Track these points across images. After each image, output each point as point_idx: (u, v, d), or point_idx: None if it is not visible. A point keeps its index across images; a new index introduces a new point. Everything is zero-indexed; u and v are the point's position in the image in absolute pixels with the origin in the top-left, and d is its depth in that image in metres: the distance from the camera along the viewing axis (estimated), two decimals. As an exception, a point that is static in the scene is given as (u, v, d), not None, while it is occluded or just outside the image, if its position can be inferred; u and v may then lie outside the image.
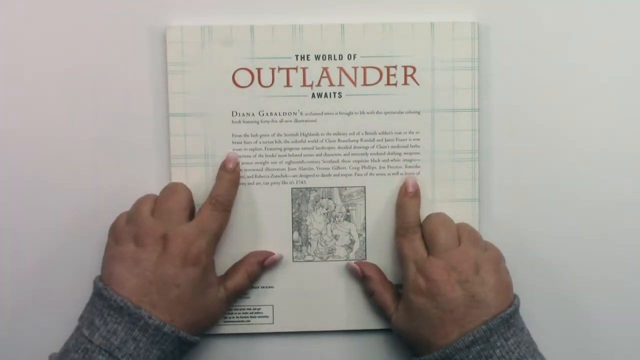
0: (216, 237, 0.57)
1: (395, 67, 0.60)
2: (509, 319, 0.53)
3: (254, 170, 0.60)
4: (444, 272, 0.55)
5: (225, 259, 0.60)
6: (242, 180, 0.60)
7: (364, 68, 0.60)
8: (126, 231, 0.56)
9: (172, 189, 0.58)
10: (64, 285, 0.60)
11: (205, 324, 0.58)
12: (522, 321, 0.55)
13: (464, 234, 0.57)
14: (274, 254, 0.60)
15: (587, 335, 0.62)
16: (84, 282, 0.58)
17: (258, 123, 0.60)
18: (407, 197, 0.59)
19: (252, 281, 0.60)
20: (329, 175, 0.60)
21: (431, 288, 0.55)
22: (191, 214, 0.58)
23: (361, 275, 0.60)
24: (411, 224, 0.58)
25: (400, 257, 0.58)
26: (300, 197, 0.60)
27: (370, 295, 0.60)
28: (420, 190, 0.60)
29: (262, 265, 0.60)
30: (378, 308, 0.60)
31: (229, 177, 0.59)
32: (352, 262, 0.60)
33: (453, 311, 0.54)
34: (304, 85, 0.60)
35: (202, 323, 0.57)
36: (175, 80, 0.59)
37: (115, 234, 0.56)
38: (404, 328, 0.57)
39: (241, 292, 0.60)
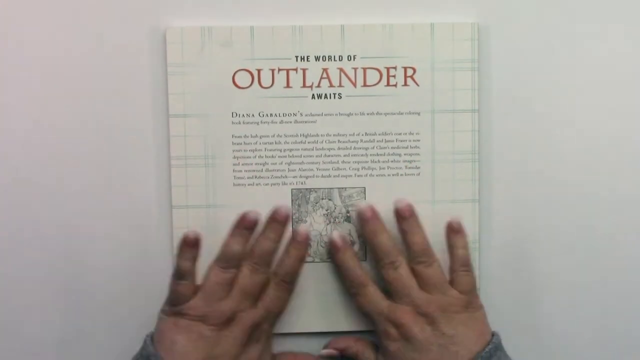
0: (279, 315, 0.58)
1: (395, 68, 0.60)
2: (490, 357, 0.54)
3: (254, 171, 0.60)
4: (411, 316, 0.55)
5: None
6: (242, 182, 0.60)
7: (364, 69, 0.60)
8: (199, 307, 0.55)
9: (256, 269, 0.56)
10: (64, 284, 0.60)
11: None
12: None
13: (423, 278, 0.56)
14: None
15: (586, 334, 0.63)
16: (83, 283, 0.58)
17: (258, 124, 0.60)
18: (344, 254, 0.58)
19: None
20: (329, 176, 0.60)
21: (403, 333, 0.55)
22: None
23: (339, 353, 0.60)
24: (362, 280, 0.58)
25: (365, 313, 0.58)
26: (301, 198, 0.60)
27: (354, 358, 0.60)
28: (420, 190, 0.60)
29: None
30: None
31: (298, 254, 0.57)
32: (323, 350, 0.60)
33: (429, 351, 0.54)
34: (304, 86, 0.60)
35: None
36: (175, 81, 0.59)
37: (190, 308, 0.55)
38: None
39: None
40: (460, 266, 0.57)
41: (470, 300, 0.56)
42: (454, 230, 0.58)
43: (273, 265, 0.57)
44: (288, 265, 0.57)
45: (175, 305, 0.55)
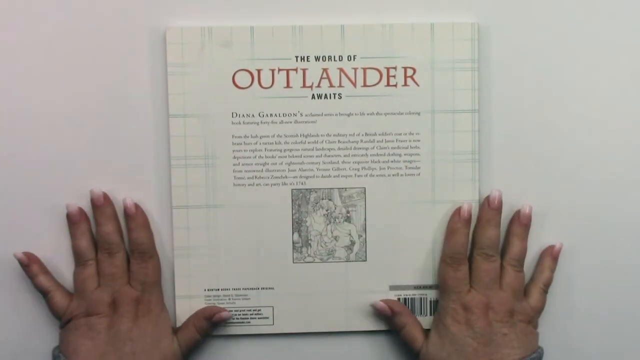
0: (155, 284, 0.59)
1: (395, 68, 0.60)
2: None
3: (254, 171, 0.60)
4: (484, 307, 0.57)
5: (226, 259, 0.60)
6: (242, 182, 0.60)
7: (364, 69, 0.60)
8: (76, 308, 0.58)
9: (110, 251, 0.58)
10: (63, 281, 0.60)
11: None
12: None
13: (507, 280, 0.59)
14: (224, 310, 0.60)
15: (586, 333, 0.63)
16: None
17: (258, 124, 0.60)
18: (461, 223, 0.59)
19: (201, 335, 0.59)
20: (329, 176, 0.60)
21: (470, 318, 0.57)
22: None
23: (390, 313, 0.60)
24: (461, 255, 0.59)
25: (442, 284, 0.59)
26: (301, 198, 0.60)
27: (400, 329, 0.60)
28: (420, 190, 0.60)
29: (210, 321, 0.59)
30: (404, 343, 0.60)
31: (136, 223, 0.59)
32: (379, 301, 0.60)
33: (486, 344, 0.56)
34: (304, 86, 0.60)
35: None
36: (175, 81, 0.59)
37: (70, 312, 0.58)
38: (435, 356, 0.58)
39: (193, 346, 0.60)
40: (543, 285, 0.60)
41: (534, 318, 0.59)
42: (552, 256, 0.60)
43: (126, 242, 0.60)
44: (134, 237, 0.58)
45: (61, 318, 0.59)
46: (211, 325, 0.60)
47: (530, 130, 0.61)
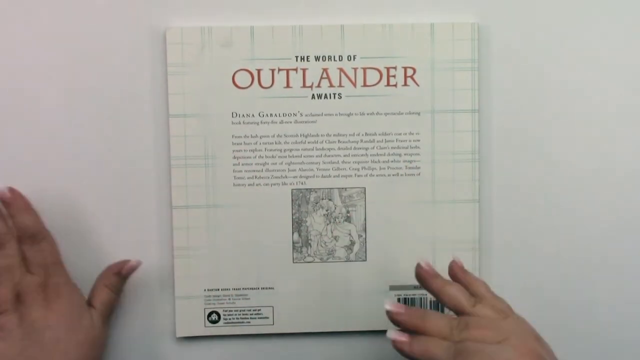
0: (56, 264, 0.57)
1: (395, 68, 0.60)
2: None
3: (254, 171, 0.60)
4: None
5: (226, 259, 0.60)
6: (242, 182, 0.60)
7: (364, 69, 0.60)
8: None
9: None
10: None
11: (94, 354, 0.57)
12: None
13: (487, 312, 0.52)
14: (129, 261, 0.59)
15: (587, 333, 0.63)
16: (84, 284, 0.58)
17: (258, 124, 0.60)
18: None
19: (116, 293, 0.58)
20: (329, 176, 0.60)
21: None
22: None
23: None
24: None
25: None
26: (301, 198, 0.60)
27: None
28: (420, 190, 0.60)
29: (121, 275, 0.58)
30: None
31: (21, 204, 0.57)
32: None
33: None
34: (304, 86, 0.60)
35: (90, 354, 0.56)
36: (175, 81, 0.59)
37: None
38: None
39: (111, 307, 0.59)
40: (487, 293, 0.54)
41: (509, 310, 0.53)
42: (461, 270, 0.55)
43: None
44: (19, 222, 0.56)
45: None
46: (123, 279, 0.58)
47: (530, 130, 0.61)
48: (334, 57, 0.60)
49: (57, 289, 0.56)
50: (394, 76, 0.60)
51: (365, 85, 0.60)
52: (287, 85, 0.60)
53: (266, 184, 0.60)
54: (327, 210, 0.61)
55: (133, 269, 0.59)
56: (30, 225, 0.56)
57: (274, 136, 0.60)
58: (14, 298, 0.55)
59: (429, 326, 0.51)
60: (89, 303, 0.58)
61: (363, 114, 0.60)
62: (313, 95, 0.60)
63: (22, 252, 0.56)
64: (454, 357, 0.49)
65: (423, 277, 0.54)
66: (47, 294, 0.56)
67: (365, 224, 0.61)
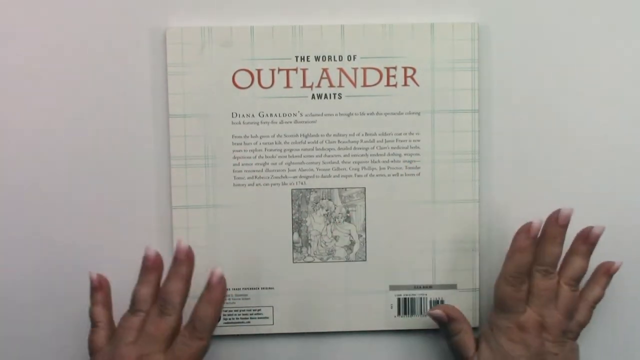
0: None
1: (395, 68, 0.60)
2: None
3: (254, 171, 0.60)
4: (539, 327, 0.56)
5: (226, 259, 0.60)
6: (242, 182, 0.60)
7: (364, 69, 0.60)
8: (105, 354, 0.54)
9: (163, 311, 0.53)
10: (63, 285, 0.60)
11: None
12: None
13: (563, 300, 0.57)
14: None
15: (587, 333, 0.63)
16: (83, 284, 0.58)
17: (258, 124, 0.60)
18: (530, 241, 0.56)
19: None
20: (329, 176, 0.60)
21: (525, 338, 0.56)
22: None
23: (446, 320, 0.58)
24: (524, 275, 0.56)
25: (499, 302, 0.57)
26: (300, 198, 0.60)
27: (454, 335, 0.58)
28: (420, 190, 0.60)
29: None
30: (454, 350, 0.59)
31: (212, 297, 0.54)
32: (436, 310, 0.59)
33: None
34: (304, 86, 0.60)
35: None
36: (175, 81, 0.59)
37: (94, 355, 0.55)
38: None
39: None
40: (593, 302, 0.58)
41: (579, 333, 0.58)
42: (607, 273, 0.59)
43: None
44: (198, 310, 0.54)
45: (90, 354, 0.55)
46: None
47: (531, 130, 0.61)
48: (334, 57, 0.60)
49: None
50: (394, 76, 0.60)
51: (365, 85, 0.60)
52: (287, 85, 0.60)
53: (266, 184, 0.60)
54: (327, 210, 0.61)
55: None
56: (205, 319, 0.53)
57: (274, 136, 0.60)
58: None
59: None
60: None
61: (363, 114, 0.60)
62: (313, 95, 0.60)
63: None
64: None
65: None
66: None
67: (365, 224, 0.61)
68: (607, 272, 0.59)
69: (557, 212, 0.56)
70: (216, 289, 0.54)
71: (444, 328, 0.59)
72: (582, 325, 0.58)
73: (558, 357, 0.56)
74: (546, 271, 0.56)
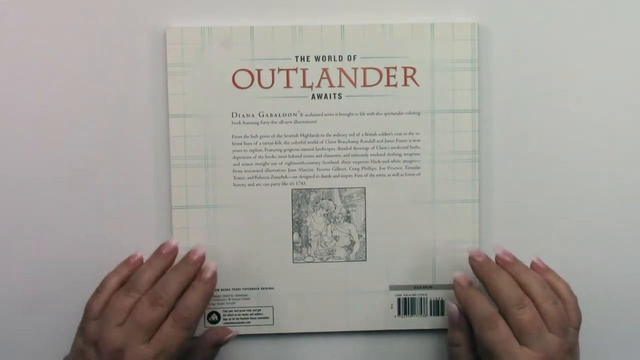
0: (174, 357, 0.54)
1: (395, 68, 0.60)
2: None
3: (254, 171, 0.60)
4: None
5: (226, 259, 0.60)
6: (242, 182, 0.60)
7: (364, 69, 0.60)
8: (93, 331, 0.54)
9: (154, 300, 0.54)
10: (63, 285, 0.60)
11: None
12: None
13: (551, 321, 0.53)
14: (227, 331, 0.58)
15: (588, 332, 0.63)
16: (83, 284, 0.58)
17: (258, 124, 0.60)
18: (467, 287, 0.56)
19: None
20: (329, 176, 0.60)
21: None
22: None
23: (456, 320, 0.57)
24: (493, 313, 0.54)
25: (491, 351, 0.53)
26: (301, 198, 0.60)
27: (454, 345, 0.57)
28: (420, 190, 0.60)
29: (218, 346, 0.58)
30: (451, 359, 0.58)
31: (205, 288, 0.55)
32: (453, 306, 0.58)
33: None
34: (304, 86, 0.60)
35: None
36: (175, 81, 0.59)
37: (84, 330, 0.55)
38: None
39: None
40: (574, 301, 0.56)
41: (577, 335, 0.56)
42: (543, 270, 0.57)
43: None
44: (188, 299, 0.54)
45: (83, 320, 0.55)
46: (218, 348, 0.58)
47: (530, 130, 0.61)
48: (334, 57, 0.60)
49: None
50: (394, 76, 0.60)
51: (365, 85, 0.60)
52: (287, 85, 0.60)
53: (266, 184, 0.60)
54: (327, 210, 0.61)
55: (228, 340, 0.58)
56: (193, 309, 0.54)
57: (274, 136, 0.60)
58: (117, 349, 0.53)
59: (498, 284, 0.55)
60: None
61: (363, 114, 0.60)
62: (313, 95, 0.60)
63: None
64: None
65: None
66: None
67: (365, 224, 0.61)
68: (542, 271, 0.57)
69: (471, 255, 0.56)
70: (209, 282, 0.55)
71: (449, 332, 0.58)
72: (578, 327, 0.56)
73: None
74: (516, 305, 0.53)
